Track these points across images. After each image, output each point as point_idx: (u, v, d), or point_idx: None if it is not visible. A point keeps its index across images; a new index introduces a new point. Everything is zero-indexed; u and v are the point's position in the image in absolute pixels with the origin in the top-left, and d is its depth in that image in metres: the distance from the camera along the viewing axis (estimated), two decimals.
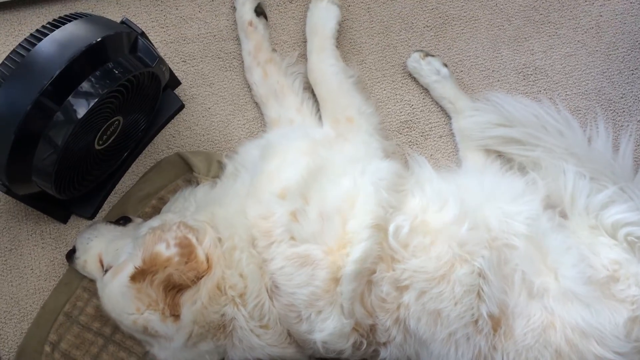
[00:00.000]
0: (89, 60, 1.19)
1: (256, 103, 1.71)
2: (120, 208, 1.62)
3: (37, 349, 1.53)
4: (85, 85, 1.17)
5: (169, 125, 1.70)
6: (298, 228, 1.33)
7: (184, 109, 1.71)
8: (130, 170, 1.67)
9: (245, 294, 1.34)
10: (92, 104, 1.17)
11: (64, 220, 1.61)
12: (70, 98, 1.15)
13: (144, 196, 1.63)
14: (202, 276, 1.32)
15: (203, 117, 1.71)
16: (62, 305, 1.56)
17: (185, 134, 1.70)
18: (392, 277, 1.31)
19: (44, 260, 1.60)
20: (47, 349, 1.52)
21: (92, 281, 1.52)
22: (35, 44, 1.15)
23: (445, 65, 1.70)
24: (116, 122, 1.36)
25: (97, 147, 1.37)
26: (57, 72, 1.12)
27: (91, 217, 1.62)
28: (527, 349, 1.29)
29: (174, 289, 1.29)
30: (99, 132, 1.32)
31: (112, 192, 1.65)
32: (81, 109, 1.17)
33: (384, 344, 1.35)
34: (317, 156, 1.46)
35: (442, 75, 1.69)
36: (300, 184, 1.39)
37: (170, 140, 1.70)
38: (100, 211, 1.64)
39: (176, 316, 1.30)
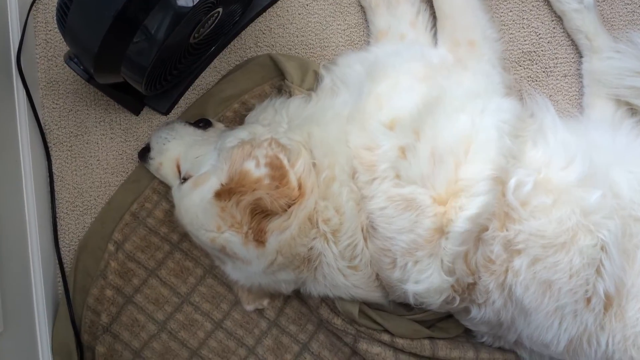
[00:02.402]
0: None
1: (362, 7, 1.50)
2: (199, 108, 1.47)
3: (101, 246, 1.45)
4: None
5: (259, 19, 1.49)
6: (405, 166, 1.19)
7: (279, 2, 1.50)
8: (212, 65, 1.49)
9: (339, 231, 1.22)
10: None
11: (137, 112, 1.46)
12: None
13: (226, 98, 1.47)
14: (292, 203, 1.20)
15: (299, 14, 1.50)
16: (130, 204, 1.46)
17: (277, 32, 1.50)
18: (504, 238, 1.18)
19: (112, 152, 1.48)
20: (111, 247, 1.45)
21: (163, 183, 1.42)
22: None
23: None
24: (216, 14, 1.17)
25: (190, 41, 1.18)
26: None
27: (166, 112, 1.47)
28: (636, 335, 1.18)
29: (262, 213, 1.18)
30: (197, 25, 1.13)
31: (191, 88, 1.48)
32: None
33: (479, 304, 1.25)
34: (435, 85, 1.28)
35: (585, 4, 1.44)
36: (413, 116, 1.23)
37: (259, 36, 1.50)
38: (175, 107, 1.48)
39: (260, 242, 1.19)
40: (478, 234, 1.19)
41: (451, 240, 1.17)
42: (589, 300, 1.17)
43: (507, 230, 1.19)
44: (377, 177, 1.20)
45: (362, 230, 1.23)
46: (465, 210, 1.16)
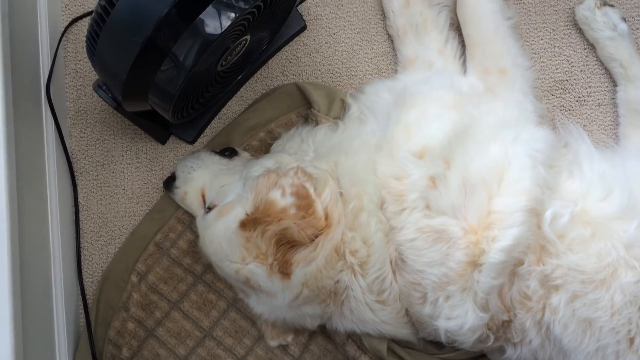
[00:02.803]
0: None
1: (389, 35, 1.48)
2: (225, 137, 1.46)
3: (124, 277, 1.43)
4: None
5: (286, 48, 1.49)
6: (436, 196, 1.15)
7: (306, 31, 1.49)
8: (238, 94, 1.48)
9: (367, 263, 1.18)
10: (232, 19, 0.97)
11: (163, 141, 1.46)
12: (208, 10, 0.95)
13: (252, 126, 1.45)
14: (319, 234, 1.16)
15: (326, 43, 1.49)
16: (154, 234, 1.44)
17: (304, 61, 1.49)
18: (541, 273, 1.13)
19: (137, 181, 1.47)
20: (134, 278, 1.42)
21: (187, 212, 1.40)
22: None
23: (625, 19, 1.41)
24: (244, 42, 1.16)
25: (218, 68, 1.17)
26: None
27: (192, 141, 1.46)
28: None
29: (287, 244, 1.15)
30: (225, 52, 1.12)
31: (217, 116, 1.47)
32: (218, 26, 0.97)
33: (515, 343, 1.19)
34: (465, 113, 1.25)
35: (618, 32, 1.40)
36: (443, 145, 1.20)
37: (286, 65, 1.49)
38: (201, 136, 1.47)
39: (285, 274, 1.15)
40: (513, 267, 1.14)
41: (485, 273, 1.12)
42: (632, 340, 1.10)
43: (543, 264, 1.14)
44: (407, 207, 1.17)
45: (391, 263, 1.19)
46: (499, 242, 1.12)
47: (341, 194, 1.22)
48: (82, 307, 1.43)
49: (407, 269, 1.17)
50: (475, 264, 1.13)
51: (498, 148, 1.20)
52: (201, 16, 0.96)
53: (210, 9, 0.96)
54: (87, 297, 1.43)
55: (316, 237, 1.15)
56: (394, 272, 1.19)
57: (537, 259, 1.14)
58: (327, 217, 1.17)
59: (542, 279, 1.13)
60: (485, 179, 1.16)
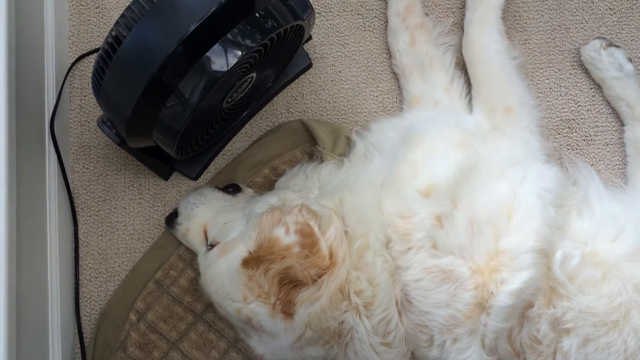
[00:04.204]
0: (237, 5, 0.97)
1: (394, 73, 1.48)
2: (229, 173, 1.44)
3: (122, 316, 1.39)
4: (232, 36, 0.96)
5: (292, 85, 1.48)
6: (442, 236, 1.13)
7: (311, 69, 1.49)
8: (242, 130, 1.47)
9: (372, 304, 1.14)
10: (238, 57, 0.96)
11: (166, 177, 1.44)
12: (215, 48, 0.95)
13: (256, 163, 1.43)
14: (323, 273, 1.13)
15: (331, 81, 1.49)
16: (154, 272, 1.40)
17: (309, 98, 1.49)
18: (552, 315, 1.11)
19: (139, 217, 1.45)
20: (133, 317, 1.38)
21: (189, 249, 1.37)
22: None
23: (631, 60, 1.41)
24: (249, 79, 1.16)
25: (223, 105, 1.17)
26: (206, 14, 0.91)
27: (196, 177, 1.44)
28: None
29: (291, 283, 1.11)
30: (231, 90, 1.11)
31: (221, 153, 1.46)
32: (225, 63, 0.96)
33: None
34: (471, 151, 1.24)
35: (624, 72, 1.40)
36: (450, 183, 1.18)
37: (291, 102, 1.49)
38: (205, 172, 1.45)
39: (288, 314, 1.12)
40: (523, 310, 1.11)
41: (493, 316, 1.09)
42: None
43: (554, 307, 1.11)
44: (413, 246, 1.14)
45: (397, 304, 1.15)
46: (508, 285, 1.09)
47: (346, 232, 1.19)
48: (78, 345, 1.39)
49: (414, 310, 1.14)
50: (483, 306, 1.10)
51: (506, 186, 1.19)
52: (208, 54, 0.96)
53: (216, 47, 0.96)
54: (84, 335, 1.40)
55: (320, 276, 1.12)
56: (399, 314, 1.15)
57: (547, 301, 1.12)
58: (331, 255, 1.14)
59: (552, 322, 1.11)
60: (493, 218, 1.15)
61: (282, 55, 1.23)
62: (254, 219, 1.20)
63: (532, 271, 1.10)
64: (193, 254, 1.36)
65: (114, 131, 1.11)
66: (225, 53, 0.98)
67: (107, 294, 1.42)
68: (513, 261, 1.11)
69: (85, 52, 1.48)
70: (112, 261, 1.44)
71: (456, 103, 1.39)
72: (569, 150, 1.45)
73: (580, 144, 1.46)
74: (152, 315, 1.39)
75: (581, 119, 1.46)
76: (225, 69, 0.97)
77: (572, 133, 1.46)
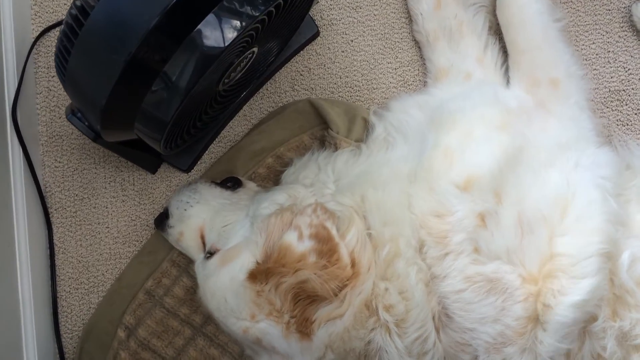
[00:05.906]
0: None
1: (416, 42, 1.32)
2: (227, 164, 1.28)
3: (109, 332, 1.25)
4: (228, 2, 0.76)
5: (296, 58, 1.31)
6: (486, 237, 0.98)
7: (319, 38, 1.32)
8: (240, 113, 1.31)
9: (405, 320, 0.99)
10: (237, 29, 0.77)
11: (153, 170, 1.28)
12: (208, 19, 0.75)
13: (257, 151, 1.27)
14: (345, 285, 0.97)
15: (342, 52, 1.32)
16: (144, 281, 1.27)
17: (317, 73, 1.31)
18: (619, 329, 0.97)
19: (124, 218, 1.30)
20: (121, 333, 1.24)
21: (182, 253, 1.22)
22: None
23: None
24: (250, 55, 0.96)
25: (219, 87, 0.97)
26: None
27: (187, 170, 1.28)
28: None
29: (308, 299, 0.96)
30: (228, 69, 0.92)
31: (216, 140, 1.30)
32: (220, 38, 0.76)
33: None
34: (516, 134, 1.07)
35: None
36: (493, 174, 1.03)
37: (296, 78, 1.31)
38: (199, 163, 1.30)
39: (304, 334, 0.97)
40: (585, 324, 0.96)
41: (550, 333, 0.94)
42: None
43: (621, 319, 0.97)
44: (451, 251, 1.00)
45: (434, 319, 1.00)
46: (569, 295, 0.94)
47: (370, 234, 1.03)
48: None
49: (454, 327, 0.99)
50: (537, 320, 0.95)
51: (557, 176, 1.03)
52: (199, 27, 0.77)
53: (210, 17, 0.77)
54: (66, 356, 1.27)
55: (342, 289, 0.96)
56: (437, 331, 1.01)
57: (612, 312, 0.97)
58: (353, 264, 0.99)
59: (620, 337, 0.97)
60: (545, 215, 0.99)
61: (289, 23, 1.03)
62: (259, 221, 1.05)
63: (597, 278, 0.94)
64: (188, 258, 1.21)
65: (86, 124, 0.92)
66: (221, 25, 0.79)
67: (90, 308, 1.30)
68: (573, 267, 0.95)
69: (51, 23, 1.32)
70: (94, 269, 1.31)
71: (491, 75, 1.22)
72: (619, 126, 1.29)
73: (631, 119, 1.30)
74: (143, 331, 1.25)
75: (632, 89, 1.31)
76: (221, 44, 0.78)
77: (622, 106, 1.30)
